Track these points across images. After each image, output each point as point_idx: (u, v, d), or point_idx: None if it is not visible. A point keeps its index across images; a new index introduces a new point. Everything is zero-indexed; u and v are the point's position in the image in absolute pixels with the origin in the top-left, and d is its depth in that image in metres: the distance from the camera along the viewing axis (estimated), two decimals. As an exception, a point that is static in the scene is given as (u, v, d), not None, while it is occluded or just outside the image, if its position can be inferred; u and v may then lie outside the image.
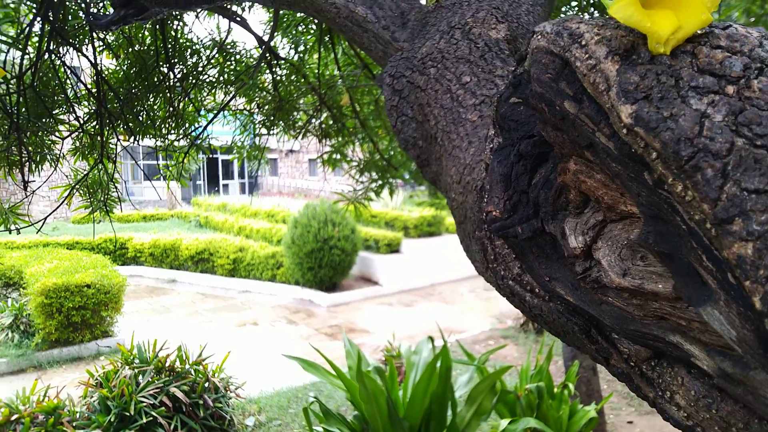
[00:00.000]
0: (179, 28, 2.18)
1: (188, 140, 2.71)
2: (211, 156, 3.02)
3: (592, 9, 2.25)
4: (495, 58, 0.63)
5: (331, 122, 2.60)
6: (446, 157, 0.56)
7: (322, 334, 7.69)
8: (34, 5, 2.25)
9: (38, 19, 2.17)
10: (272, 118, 2.34)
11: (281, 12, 2.07)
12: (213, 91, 2.50)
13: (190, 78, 2.32)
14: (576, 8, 2.40)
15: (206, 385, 4.27)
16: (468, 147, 0.52)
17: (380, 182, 2.76)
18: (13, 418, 3.84)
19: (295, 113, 2.67)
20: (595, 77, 0.36)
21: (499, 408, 3.87)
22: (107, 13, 1.66)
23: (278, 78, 2.31)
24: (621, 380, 0.46)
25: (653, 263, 0.39)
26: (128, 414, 3.76)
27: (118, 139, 2.36)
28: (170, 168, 2.89)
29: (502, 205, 0.42)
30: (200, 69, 2.37)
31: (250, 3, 2.37)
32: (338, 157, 2.82)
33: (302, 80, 2.36)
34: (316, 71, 2.52)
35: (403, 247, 10.61)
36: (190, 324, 8.16)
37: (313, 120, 2.72)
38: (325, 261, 9.12)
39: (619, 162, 0.36)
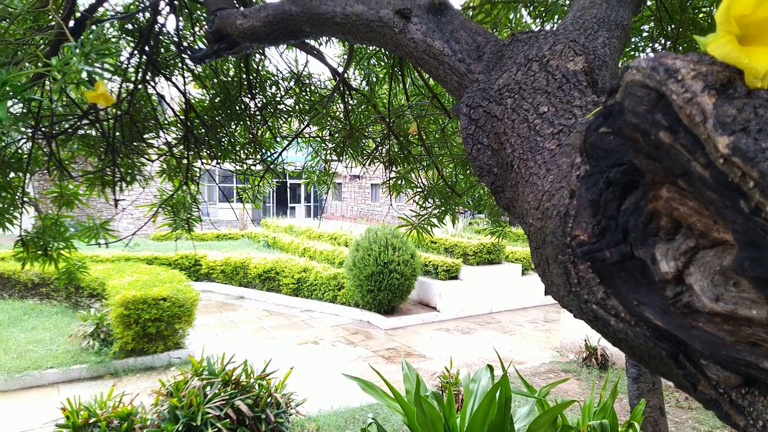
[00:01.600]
0: (261, 60, 2.35)
1: (264, 165, 2.87)
2: (285, 180, 3.17)
3: (663, 39, 2.22)
4: (573, 89, 0.66)
5: (397, 149, 2.68)
6: (523, 183, 0.59)
7: (379, 357, 7.70)
8: (133, 40, 2.50)
9: (136, 52, 2.40)
10: (343, 145, 2.45)
11: (355, 46, 2.18)
12: (289, 119, 2.64)
13: (269, 107, 2.47)
14: (647, 38, 2.37)
15: (269, 400, 4.38)
16: (546, 174, 0.56)
17: (443, 208, 2.79)
18: (91, 420, 4.09)
19: (364, 140, 2.77)
20: (691, 110, 0.38)
21: (561, 444, 3.73)
22: (200, 47, 1.82)
23: (350, 107, 2.42)
24: (708, 407, 0.46)
25: (747, 289, 0.39)
26: (195, 424, 3.92)
27: (202, 163, 2.54)
28: (247, 190, 3.06)
29: (590, 230, 0.45)
30: (278, 99, 2.52)
31: (327, 38, 2.51)
32: (402, 183, 2.89)
33: (372, 109, 2.45)
34: (385, 101, 2.61)
35: (462, 273, 10.50)
36: (254, 340, 8.41)
37: (380, 147, 2.81)
38: (384, 284, 9.18)
39: (714, 190, 0.38)
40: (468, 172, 2.76)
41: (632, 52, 2.61)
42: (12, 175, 2.64)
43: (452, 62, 0.88)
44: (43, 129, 2.12)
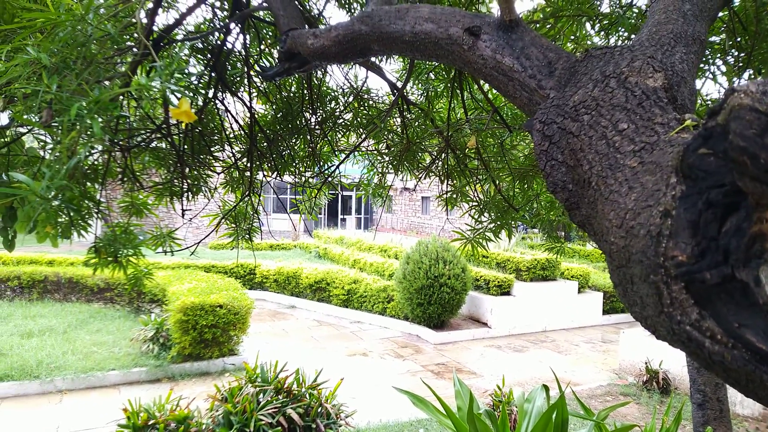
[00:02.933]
0: (322, 76, 2.41)
1: (321, 177, 2.93)
2: (339, 193, 3.23)
3: (735, 51, 2.13)
4: (653, 106, 0.65)
5: (453, 163, 2.68)
6: (602, 201, 0.58)
7: (428, 372, 7.63)
8: (203, 59, 2.62)
9: (206, 70, 2.52)
10: (399, 158, 2.47)
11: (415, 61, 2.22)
12: (347, 133, 2.70)
13: (329, 122, 2.53)
14: (717, 50, 2.28)
15: (319, 410, 4.42)
16: (629, 192, 0.55)
17: (498, 223, 2.76)
18: (150, 422, 4.25)
19: (420, 154, 2.79)
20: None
21: (620, 470, 3.57)
22: (266, 64, 1.90)
23: (407, 121, 2.45)
24: None
25: None
26: (248, 430, 4.00)
27: (263, 175, 2.62)
28: (303, 202, 3.13)
29: (690, 251, 0.44)
30: (337, 113, 2.58)
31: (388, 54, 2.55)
32: (457, 197, 2.88)
33: (429, 123, 2.47)
34: (443, 114, 2.63)
35: (514, 289, 10.29)
36: (305, 349, 8.53)
37: (437, 161, 2.82)
38: (434, 298, 9.12)
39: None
40: (525, 186, 2.72)
41: (702, 65, 2.52)
42: (88, 184, 2.82)
43: (522, 78, 0.88)
44: (119, 142, 2.25)
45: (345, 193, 30.13)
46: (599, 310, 11.19)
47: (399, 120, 2.60)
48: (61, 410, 5.96)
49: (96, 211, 2.70)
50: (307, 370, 4.83)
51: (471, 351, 8.83)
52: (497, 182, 2.48)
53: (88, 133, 1.16)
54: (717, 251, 0.42)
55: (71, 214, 1.93)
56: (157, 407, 4.40)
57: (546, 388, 3.48)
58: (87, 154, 1.09)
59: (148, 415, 4.28)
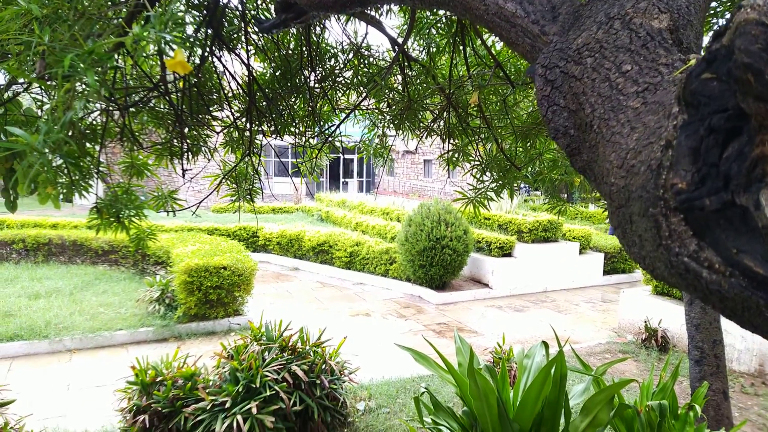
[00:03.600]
0: (321, 32, 2.36)
1: (321, 138, 2.91)
2: (339, 154, 3.20)
3: None
4: (658, 47, 0.63)
5: (455, 122, 2.65)
6: (603, 143, 0.58)
7: (430, 331, 7.76)
8: (198, 15, 2.56)
9: (202, 26, 2.47)
10: (401, 117, 2.44)
11: (416, 15, 2.16)
12: (347, 92, 2.66)
13: (328, 80, 2.49)
14: (727, 2, 2.22)
15: (323, 366, 4.52)
16: (631, 133, 0.54)
17: (501, 182, 2.75)
18: (158, 379, 4.36)
19: (421, 113, 2.75)
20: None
21: (615, 423, 3.67)
22: (267, 18, 1.85)
23: (409, 79, 2.41)
24: None
25: None
26: (254, 386, 4.10)
27: (264, 135, 2.60)
28: (304, 163, 3.11)
29: (690, 178, 0.43)
30: (337, 71, 2.54)
31: (389, 7, 2.49)
32: (458, 156, 2.85)
33: (431, 81, 2.43)
34: (445, 72, 2.58)
35: (516, 251, 10.35)
36: (308, 310, 8.66)
37: (438, 120, 2.78)
38: (436, 260, 9.19)
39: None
40: (528, 145, 2.69)
41: (710, 18, 2.45)
42: (87, 145, 2.80)
43: (525, 24, 0.86)
44: (116, 101, 2.23)
45: (347, 157, 29.99)
46: (600, 271, 11.28)
47: (400, 78, 2.56)
48: (71, 369, 6.11)
49: (96, 171, 2.70)
50: (310, 329, 4.91)
51: (472, 311, 8.95)
52: (499, 141, 2.46)
53: (84, 86, 1.14)
54: (717, 177, 0.41)
55: (71, 170, 1.92)
56: (164, 365, 4.51)
57: (545, 344, 3.54)
58: (83, 107, 1.08)
59: (156, 372, 4.39)
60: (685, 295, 4.25)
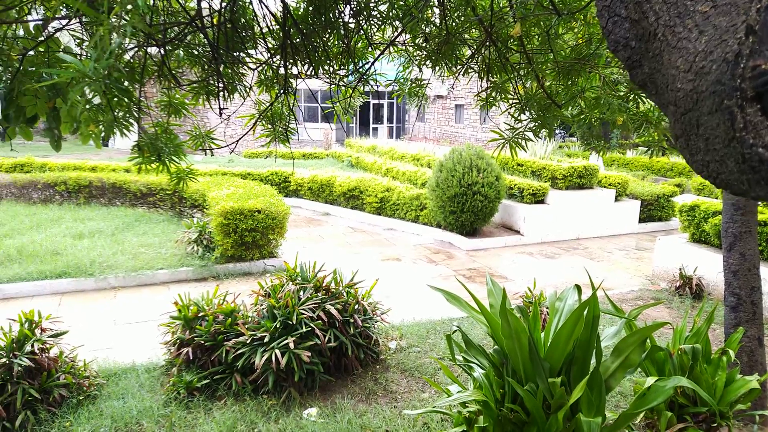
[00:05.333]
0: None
1: (356, 76, 2.87)
2: (369, 100, 3.16)
3: None
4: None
5: (495, 57, 2.57)
6: (668, 51, 0.55)
7: (460, 275, 7.85)
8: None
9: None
10: (438, 52, 2.38)
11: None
12: (382, 26, 2.59)
13: (363, 13, 2.42)
14: None
15: (356, 306, 4.66)
16: (699, 36, 0.51)
17: (539, 122, 2.68)
18: (199, 315, 4.57)
19: (459, 49, 2.67)
20: None
21: (646, 365, 3.70)
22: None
23: (447, 11, 2.33)
24: None
25: None
26: (291, 323, 4.27)
27: (299, 73, 2.58)
28: (338, 103, 3.09)
29: None
30: (372, 4, 2.47)
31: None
32: (496, 95, 2.78)
33: (470, 12, 2.34)
34: (485, 2, 2.48)
35: (549, 198, 10.20)
36: (340, 253, 8.83)
37: (477, 55, 2.70)
38: (467, 206, 9.16)
39: None
40: (570, 82, 2.60)
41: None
42: (126, 83, 2.83)
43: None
44: (154, 37, 2.23)
45: (376, 102, 29.58)
46: (635, 219, 11.07)
47: (437, 11, 2.47)
48: (116, 305, 6.45)
49: (137, 109, 2.74)
50: (343, 272, 5.02)
51: (502, 257, 8.98)
52: (540, 76, 2.38)
53: (124, 19, 1.14)
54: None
55: (114, 105, 1.96)
56: (205, 301, 4.71)
57: (578, 288, 3.55)
58: (128, 36, 1.08)
59: (198, 308, 4.60)
60: (724, 242, 4.15)
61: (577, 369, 3.10)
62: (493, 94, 2.77)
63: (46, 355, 4.06)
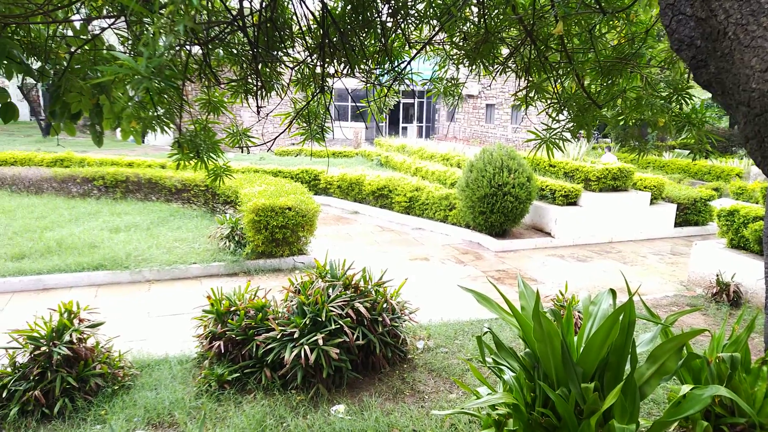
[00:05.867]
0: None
1: (392, 74, 2.87)
2: (400, 100, 3.17)
3: None
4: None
5: (534, 56, 2.53)
6: (740, 50, 0.53)
7: (488, 277, 7.78)
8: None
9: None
10: (476, 50, 2.36)
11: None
12: (420, 25, 2.58)
13: (401, 12, 2.42)
14: None
15: (385, 305, 4.66)
16: (776, 34, 0.50)
17: (577, 122, 2.64)
18: (231, 309, 4.65)
19: (496, 48, 2.65)
20: None
21: (682, 373, 3.60)
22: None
23: (486, 9, 2.31)
24: None
25: None
26: (320, 320, 4.30)
27: (336, 72, 2.59)
28: (373, 102, 3.10)
29: None
30: (410, 3, 2.46)
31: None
32: (534, 94, 2.74)
33: (510, 11, 2.32)
34: (525, 1, 2.45)
35: (582, 200, 10.03)
36: (368, 252, 8.85)
37: (515, 54, 2.67)
38: (497, 207, 9.07)
39: None
40: (610, 81, 2.55)
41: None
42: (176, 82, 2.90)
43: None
44: (197, 35, 2.27)
45: (406, 101, 29.53)
46: (671, 223, 10.79)
47: (475, 10, 2.45)
48: (150, 297, 6.61)
49: (179, 106, 2.80)
50: (371, 270, 5.03)
51: (532, 259, 8.86)
52: (581, 75, 2.34)
53: (178, 13, 1.17)
54: None
55: (157, 102, 2.00)
56: (237, 296, 4.79)
57: (613, 292, 3.48)
58: (183, 30, 1.11)
59: (230, 303, 4.67)
60: (766, 248, 4.00)
61: (610, 375, 3.04)
62: (531, 94, 2.74)
63: (84, 345, 4.19)
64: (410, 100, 29.55)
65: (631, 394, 2.83)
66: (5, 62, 2.69)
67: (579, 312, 4.90)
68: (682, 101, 2.46)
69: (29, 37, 2.72)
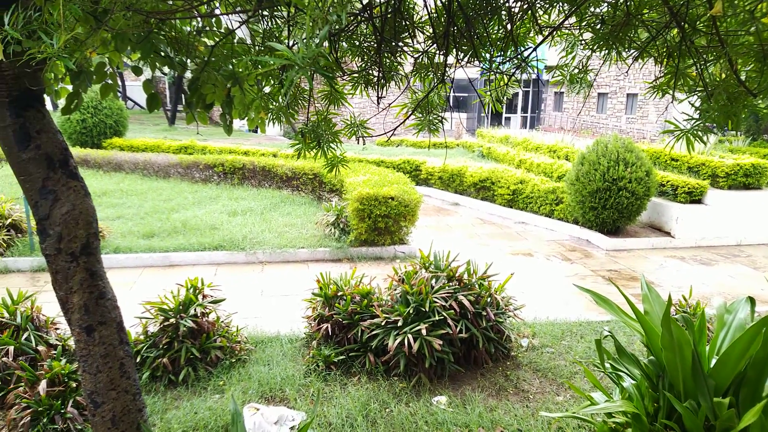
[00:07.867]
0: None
1: (515, 61, 2.77)
2: (537, 76, 3.04)
3: None
4: None
5: (678, 40, 2.32)
6: None
7: (598, 276, 7.36)
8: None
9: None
10: (616, 34, 2.20)
11: None
12: (549, 9, 2.46)
13: (529, -5, 2.32)
14: None
15: (489, 299, 4.57)
16: None
17: (725, 112, 2.38)
18: (338, 293, 4.80)
19: (635, 32, 2.46)
20: None
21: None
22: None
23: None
24: None
25: None
26: (423, 310, 4.31)
27: (456, 61, 2.55)
28: (492, 90, 3.02)
29: None
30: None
31: None
32: (677, 81, 2.51)
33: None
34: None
35: (707, 197, 9.15)
36: (468, 245, 8.74)
37: (661, 35, 2.46)
38: (610, 202, 8.54)
39: None
40: (766, 67, 2.27)
41: None
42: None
43: None
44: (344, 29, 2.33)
45: (512, 91, 28.61)
46: (815, 227, 9.54)
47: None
48: (263, 278, 7.01)
49: (308, 97, 2.90)
50: (475, 263, 4.94)
51: (648, 260, 8.25)
52: (734, 61, 2.10)
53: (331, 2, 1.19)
54: None
55: (284, 93, 2.08)
56: (343, 281, 4.94)
57: (751, 300, 3.15)
58: (338, 19, 1.13)
59: (337, 287, 4.83)
60: None
61: (747, 390, 2.76)
62: (672, 82, 2.51)
63: (206, 319, 4.53)
64: (515, 90, 28.62)
65: (775, 415, 2.54)
66: (152, 56, 2.94)
67: (709, 320, 4.49)
68: None
69: (172, 33, 2.95)
